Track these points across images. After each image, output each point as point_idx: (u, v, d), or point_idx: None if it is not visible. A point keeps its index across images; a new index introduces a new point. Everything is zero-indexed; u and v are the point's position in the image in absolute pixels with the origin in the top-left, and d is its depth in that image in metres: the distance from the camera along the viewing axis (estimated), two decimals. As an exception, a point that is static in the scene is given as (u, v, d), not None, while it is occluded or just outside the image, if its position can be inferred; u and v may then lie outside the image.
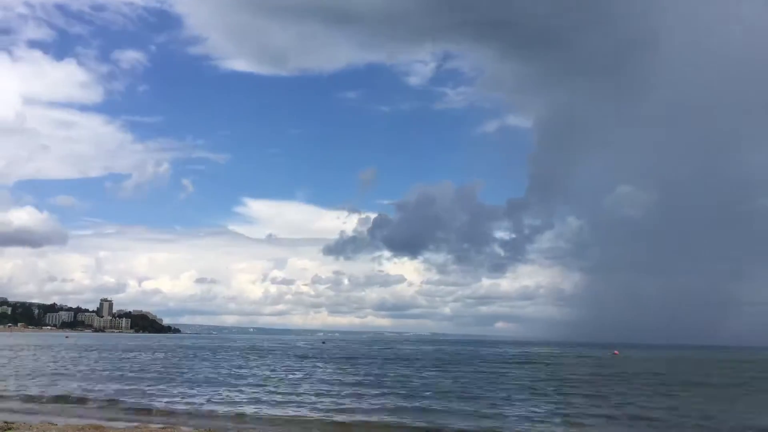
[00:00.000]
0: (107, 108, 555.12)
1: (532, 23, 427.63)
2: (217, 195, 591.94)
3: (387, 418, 23.12)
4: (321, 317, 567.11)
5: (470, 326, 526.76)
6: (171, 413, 23.57)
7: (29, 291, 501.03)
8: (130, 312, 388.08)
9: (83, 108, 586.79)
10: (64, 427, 19.01)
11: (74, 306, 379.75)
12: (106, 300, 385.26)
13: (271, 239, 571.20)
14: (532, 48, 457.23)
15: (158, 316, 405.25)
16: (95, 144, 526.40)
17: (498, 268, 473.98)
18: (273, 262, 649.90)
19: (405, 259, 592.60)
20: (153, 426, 19.91)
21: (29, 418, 20.72)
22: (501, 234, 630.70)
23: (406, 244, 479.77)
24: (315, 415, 23.45)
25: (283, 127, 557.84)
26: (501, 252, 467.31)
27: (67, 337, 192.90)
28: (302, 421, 22.22)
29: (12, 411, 23.09)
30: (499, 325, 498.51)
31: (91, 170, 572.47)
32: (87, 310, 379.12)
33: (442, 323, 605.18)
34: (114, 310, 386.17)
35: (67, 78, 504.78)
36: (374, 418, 23.10)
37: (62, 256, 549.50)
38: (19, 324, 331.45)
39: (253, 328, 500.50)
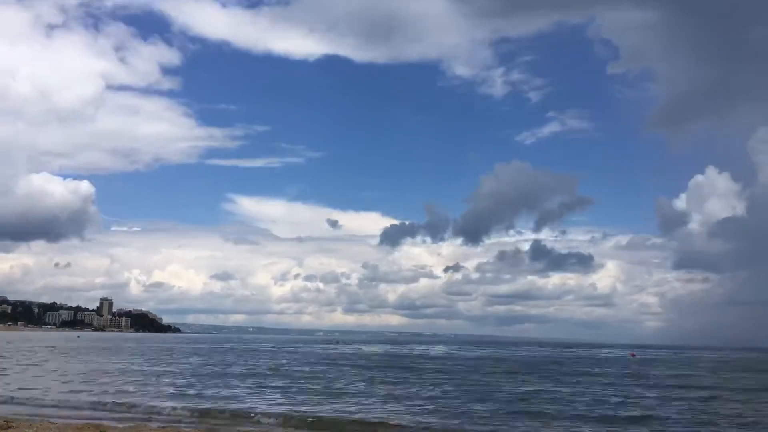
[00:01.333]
0: (181, 93, 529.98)
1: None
2: (259, 192, 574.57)
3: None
4: (333, 317, 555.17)
5: (493, 326, 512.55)
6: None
7: (43, 285, 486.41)
8: (130, 311, 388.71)
9: (156, 93, 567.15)
10: (64, 426, 19.02)
11: (74, 305, 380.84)
12: (106, 299, 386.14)
13: (302, 238, 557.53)
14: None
15: (158, 315, 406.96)
16: (152, 133, 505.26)
17: (557, 264, 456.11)
18: (295, 261, 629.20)
19: (462, 248, 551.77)
20: (153, 426, 19.91)
21: (29, 417, 20.72)
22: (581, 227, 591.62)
23: (472, 232, 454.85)
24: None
25: (354, 122, 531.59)
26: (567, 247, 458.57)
27: (78, 336, 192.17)
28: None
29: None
30: (527, 326, 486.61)
31: (140, 162, 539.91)
32: (87, 309, 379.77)
33: (469, 323, 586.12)
34: (114, 309, 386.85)
35: (149, 58, 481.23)
36: None
37: (82, 252, 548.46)
38: (18, 323, 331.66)
39: (253, 327, 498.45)
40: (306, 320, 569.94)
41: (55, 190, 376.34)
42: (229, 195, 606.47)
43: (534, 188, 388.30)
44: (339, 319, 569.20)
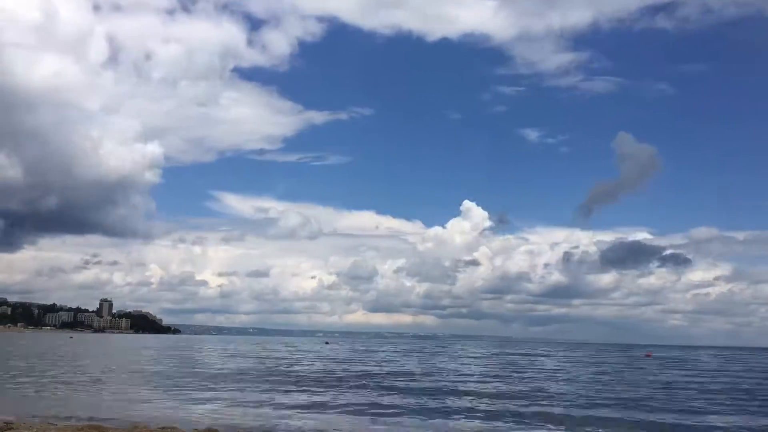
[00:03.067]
0: (295, 78, 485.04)
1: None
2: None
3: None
4: (346, 317, 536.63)
5: (520, 327, 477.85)
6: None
7: (64, 284, 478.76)
8: (130, 312, 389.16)
9: (268, 75, 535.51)
10: (64, 427, 18.96)
11: (74, 306, 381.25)
12: (106, 300, 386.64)
13: (323, 237, 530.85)
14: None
15: (166, 315, 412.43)
16: (244, 119, 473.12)
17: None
18: (313, 260, 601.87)
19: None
20: (153, 426, 19.83)
21: (32, 418, 20.63)
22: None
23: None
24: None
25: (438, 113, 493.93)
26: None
27: (71, 337, 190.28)
28: None
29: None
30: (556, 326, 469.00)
31: (214, 151, 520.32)
32: (87, 310, 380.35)
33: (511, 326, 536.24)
34: (114, 310, 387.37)
35: (274, 40, 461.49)
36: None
37: (110, 248, 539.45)
38: (18, 324, 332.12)
39: (254, 328, 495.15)
40: (315, 320, 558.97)
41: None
42: (271, 193, 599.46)
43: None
44: (351, 319, 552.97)
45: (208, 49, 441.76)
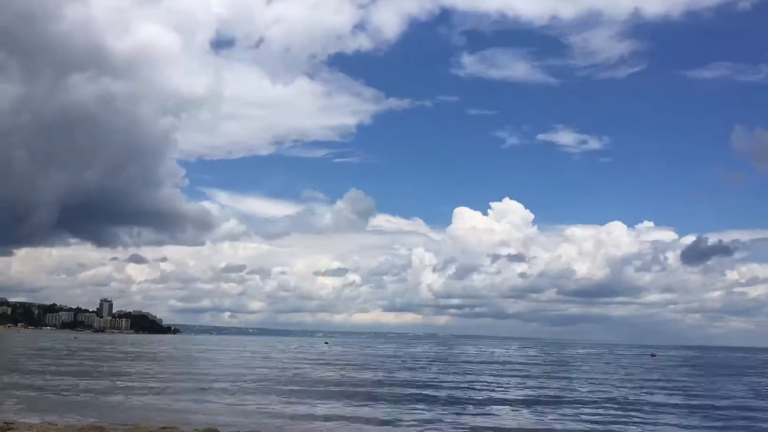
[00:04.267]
0: (379, 61, 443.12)
1: None
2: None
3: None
4: (353, 316, 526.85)
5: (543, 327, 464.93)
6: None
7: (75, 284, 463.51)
8: (130, 312, 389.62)
9: (360, 60, 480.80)
10: (64, 428, 18.97)
11: (74, 306, 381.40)
12: (106, 300, 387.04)
13: (337, 235, 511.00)
14: None
15: (171, 313, 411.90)
16: (319, 108, 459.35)
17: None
18: (324, 259, 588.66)
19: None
20: (153, 426, 19.85)
21: (29, 418, 20.64)
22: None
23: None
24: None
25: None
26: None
27: (75, 338, 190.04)
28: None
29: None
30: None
31: (282, 144, 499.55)
32: (87, 311, 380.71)
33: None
34: (114, 311, 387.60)
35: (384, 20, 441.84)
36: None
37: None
38: (18, 324, 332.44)
39: (254, 328, 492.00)
40: (319, 319, 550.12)
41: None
42: (297, 188, 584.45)
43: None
44: (358, 319, 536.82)
45: (309, 34, 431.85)
